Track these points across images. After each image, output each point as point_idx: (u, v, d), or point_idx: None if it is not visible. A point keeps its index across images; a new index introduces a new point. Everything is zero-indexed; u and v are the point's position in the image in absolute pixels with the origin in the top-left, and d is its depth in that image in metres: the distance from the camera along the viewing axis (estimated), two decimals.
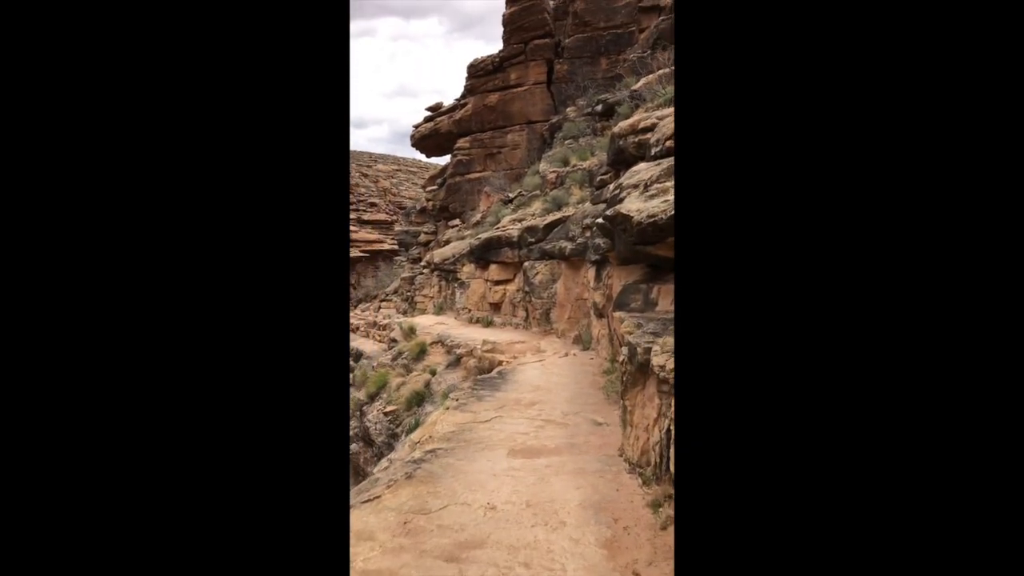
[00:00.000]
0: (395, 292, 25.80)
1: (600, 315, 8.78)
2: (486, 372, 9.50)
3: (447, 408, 5.59)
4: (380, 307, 25.47)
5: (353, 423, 12.54)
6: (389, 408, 11.08)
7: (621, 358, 3.96)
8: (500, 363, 9.46)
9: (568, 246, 10.72)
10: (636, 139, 7.43)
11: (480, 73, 24.81)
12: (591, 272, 9.32)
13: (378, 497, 3.33)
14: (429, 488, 3.47)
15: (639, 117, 8.01)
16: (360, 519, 2.95)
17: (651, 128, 7.10)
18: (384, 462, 4.55)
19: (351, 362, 16.30)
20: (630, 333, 4.09)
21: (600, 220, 5.75)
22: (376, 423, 11.09)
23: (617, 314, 5.00)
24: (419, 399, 10.45)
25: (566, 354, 9.20)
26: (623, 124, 8.15)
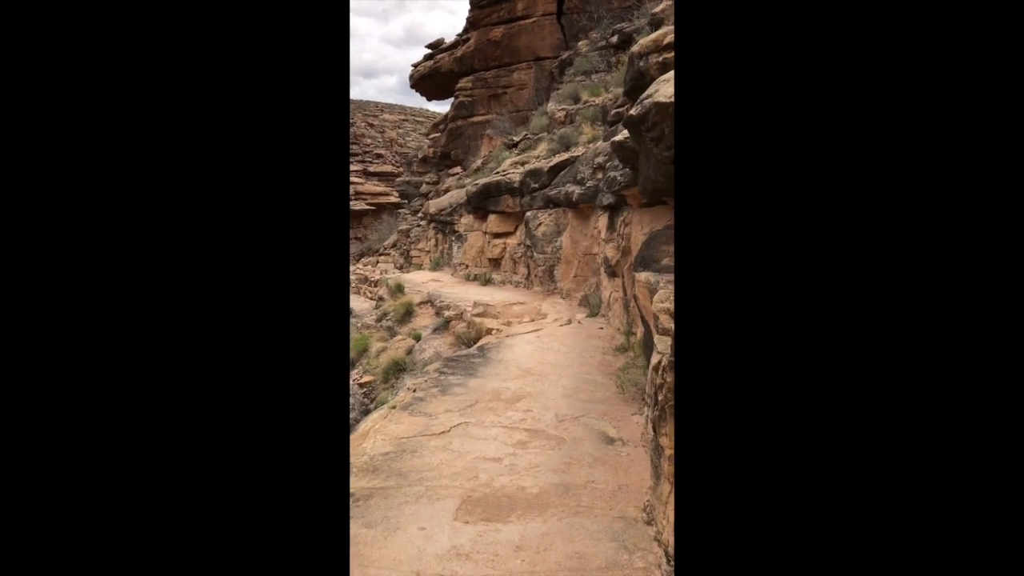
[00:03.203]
0: (393, 246, 24.34)
1: (613, 274, 7.05)
2: (474, 340, 7.98)
3: (393, 407, 3.95)
4: (378, 261, 23.98)
5: None
6: (365, 378, 9.64)
7: (644, 339, 2.24)
8: (490, 331, 7.83)
9: (576, 190, 8.94)
10: (661, 58, 5.95)
11: (483, 3, 22.36)
12: (602, 220, 7.56)
13: None
14: None
15: (665, 31, 6.35)
16: None
17: None
18: None
19: None
20: (669, 313, 2.34)
21: (619, 138, 3.96)
22: (350, 395, 9.71)
23: (641, 275, 3.23)
24: (398, 369, 9.03)
25: (569, 321, 7.53)
26: (644, 41, 6.51)
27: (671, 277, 2.89)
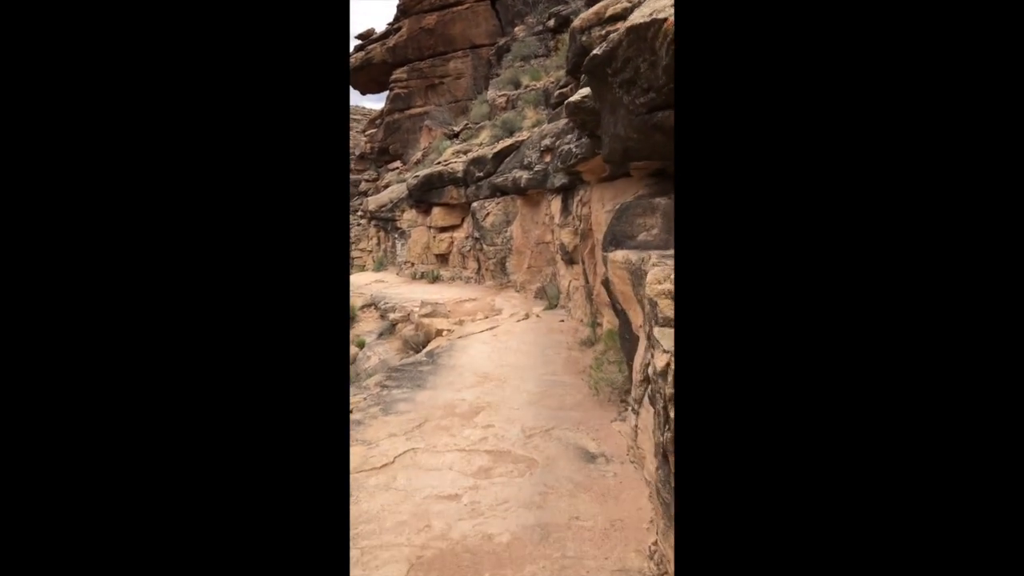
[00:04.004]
0: None
1: (571, 261, 6.50)
2: (423, 344, 7.29)
3: None
4: None
5: None
6: None
7: (609, 325, 1.72)
8: (440, 332, 7.17)
9: (524, 175, 8.36)
10: (604, 30, 5.52)
11: None
12: (555, 204, 7.00)
13: None
14: None
15: (606, 2, 5.87)
16: None
17: (622, 15, 4.97)
18: None
19: None
20: (667, 296, 1.77)
21: (575, 98, 3.39)
22: None
23: (618, 254, 2.64)
24: None
25: (527, 315, 6.95)
26: (586, 14, 6.01)
27: (662, 253, 2.31)
